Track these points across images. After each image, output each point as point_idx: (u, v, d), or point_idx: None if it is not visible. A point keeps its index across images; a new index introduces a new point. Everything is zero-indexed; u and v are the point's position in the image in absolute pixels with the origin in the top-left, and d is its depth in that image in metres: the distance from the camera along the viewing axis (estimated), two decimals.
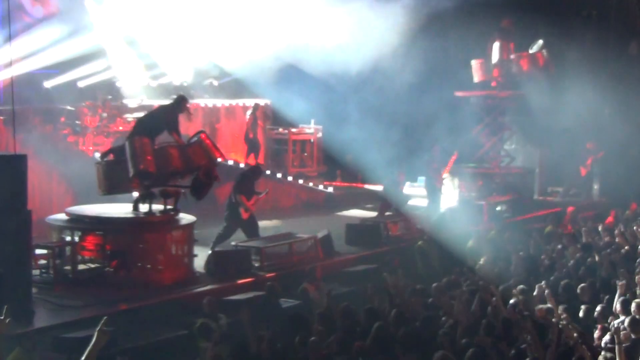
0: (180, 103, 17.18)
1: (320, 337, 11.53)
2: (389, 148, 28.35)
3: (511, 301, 13.19)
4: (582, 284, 14.09)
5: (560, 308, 12.05)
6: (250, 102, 28.75)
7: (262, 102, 28.61)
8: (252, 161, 26.04)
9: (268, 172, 21.93)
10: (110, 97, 25.31)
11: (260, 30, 25.98)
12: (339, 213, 24.32)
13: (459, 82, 27.55)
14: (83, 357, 8.11)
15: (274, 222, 21.19)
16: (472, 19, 27.45)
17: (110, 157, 17.16)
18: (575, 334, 10.56)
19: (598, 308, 12.63)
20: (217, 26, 25.91)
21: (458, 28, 27.60)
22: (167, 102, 17.77)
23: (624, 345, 10.28)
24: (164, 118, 17.05)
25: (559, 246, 17.97)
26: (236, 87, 29.10)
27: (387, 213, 22.48)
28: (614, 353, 10.14)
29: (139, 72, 27.28)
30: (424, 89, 28.10)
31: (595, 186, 29.01)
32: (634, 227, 19.32)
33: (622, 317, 12.14)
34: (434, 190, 24.29)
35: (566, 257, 16.93)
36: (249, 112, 27.86)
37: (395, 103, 28.88)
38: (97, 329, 8.19)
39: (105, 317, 8.38)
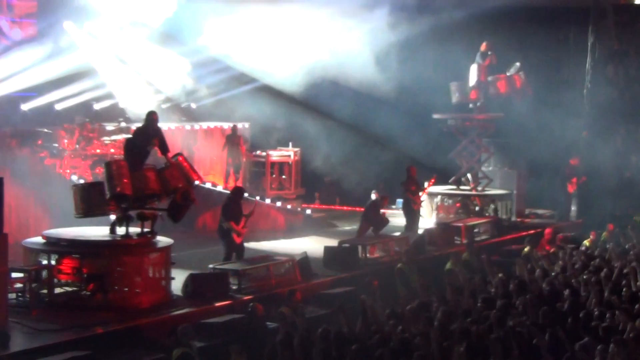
0: (149, 116, 17.22)
1: None
2: (368, 169, 28.51)
3: None
4: None
5: None
6: (227, 124, 28.77)
7: (239, 124, 28.62)
8: (231, 185, 25.98)
9: (246, 194, 21.93)
10: (87, 119, 25.27)
11: (236, 50, 26.21)
12: (317, 236, 24.28)
13: (436, 104, 27.67)
14: None
15: (252, 243, 21.13)
16: (451, 41, 27.61)
17: None
18: None
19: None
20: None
21: (436, 49, 27.76)
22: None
23: None
24: (140, 137, 17.10)
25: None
26: (213, 109, 29.12)
27: (366, 235, 22.48)
28: None
29: (142, 89, 27.27)
30: (401, 110, 28.26)
31: (573, 207, 29.12)
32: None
33: None
34: (411, 212, 24.30)
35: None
36: (228, 135, 27.87)
37: (372, 123, 29.07)
38: None
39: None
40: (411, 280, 18.37)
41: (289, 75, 27.45)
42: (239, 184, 25.62)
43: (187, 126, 28.54)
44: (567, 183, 28.34)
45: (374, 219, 22.63)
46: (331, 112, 28.78)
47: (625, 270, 16.41)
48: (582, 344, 12.14)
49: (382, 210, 22.99)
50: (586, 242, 21.47)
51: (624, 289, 15.12)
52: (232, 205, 19.03)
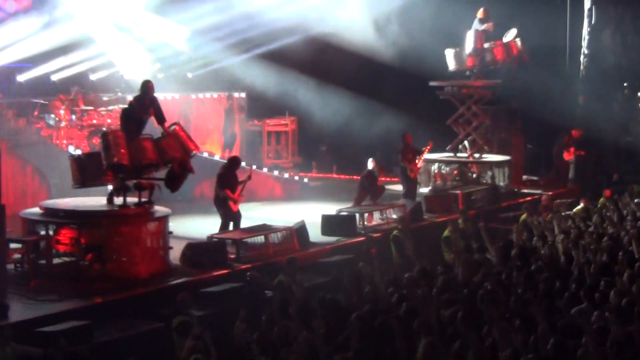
0: (145, 85, 17.19)
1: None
2: (364, 137, 28.48)
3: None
4: None
5: None
6: (224, 94, 28.73)
7: (236, 93, 28.58)
8: (228, 154, 25.95)
9: (243, 164, 21.93)
10: (84, 90, 25.22)
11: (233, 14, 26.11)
12: (314, 204, 24.28)
13: (433, 71, 27.60)
14: None
15: (249, 213, 21.12)
16: (448, 7, 27.47)
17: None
18: None
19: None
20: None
21: (432, 16, 27.62)
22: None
23: None
24: (136, 107, 17.09)
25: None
26: (210, 79, 29.05)
27: (363, 203, 22.51)
28: None
29: (142, 57, 27.18)
30: (399, 76, 28.21)
31: (570, 174, 29.13)
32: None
33: None
34: (408, 180, 24.30)
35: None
36: (225, 104, 27.81)
37: (369, 91, 29.02)
38: None
39: None
40: (406, 248, 18.40)
41: (291, 41, 27.40)
42: (235, 153, 25.61)
43: (184, 95, 28.48)
44: (565, 151, 28.30)
45: (370, 188, 22.66)
46: (328, 80, 28.73)
47: (623, 236, 16.48)
48: (579, 309, 12.18)
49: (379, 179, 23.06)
50: (578, 209, 21.46)
51: (620, 255, 15.15)
52: (228, 174, 19.02)
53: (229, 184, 18.80)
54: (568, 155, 28.25)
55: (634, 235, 15.80)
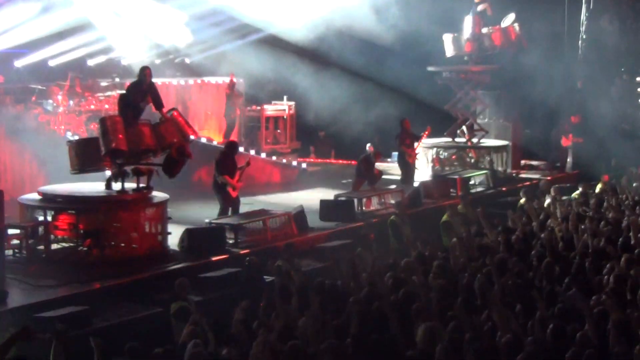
0: (142, 72, 17.16)
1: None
2: (363, 123, 28.46)
3: None
4: None
5: None
6: (222, 79, 28.69)
7: (235, 79, 28.53)
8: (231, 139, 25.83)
9: (241, 149, 21.95)
10: (81, 76, 25.17)
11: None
12: (313, 189, 24.28)
13: (431, 56, 27.56)
14: None
15: (247, 199, 21.12)
16: None
17: None
18: None
19: None
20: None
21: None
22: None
23: None
24: (134, 93, 17.08)
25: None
26: (209, 64, 29.00)
27: (361, 188, 22.52)
28: None
29: (140, 42, 27.08)
30: (396, 61, 28.14)
31: (569, 159, 29.14)
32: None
33: None
34: (406, 165, 24.32)
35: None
36: (227, 89, 27.72)
37: (368, 77, 28.98)
38: None
39: None
40: (404, 233, 18.40)
41: (291, 25, 27.32)
42: (233, 138, 25.58)
43: (182, 81, 28.43)
44: (563, 136, 28.29)
45: (367, 173, 22.68)
46: (328, 65, 28.68)
47: (623, 223, 16.49)
48: (575, 292, 12.19)
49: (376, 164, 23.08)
50: (576, 194, 21.45)
51: (619, 239, 15.16)
52: (226, 159, 19.00)
53: (227, 170, 18.78)
54: (566, 142, 28.24)
55: (633, 221, 15.81)
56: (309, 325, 11.02)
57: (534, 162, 29.08)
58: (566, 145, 28.22)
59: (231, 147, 19.55)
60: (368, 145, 23.63)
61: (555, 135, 28.54)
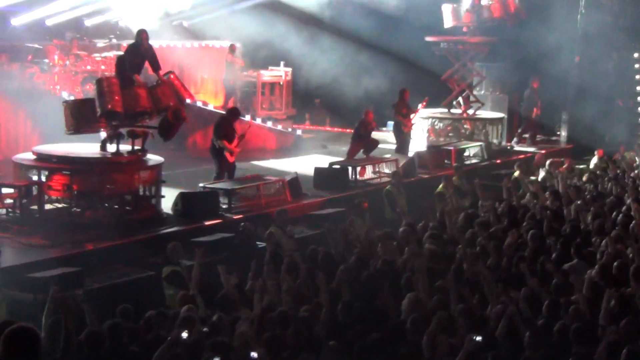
0: (139, 36, 17.12)
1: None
2: (358, 91, 28.40)
3: None
4: None
5: None
6: (219, 43, 28.58)
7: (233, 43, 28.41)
8: (230, 104, 25.72)
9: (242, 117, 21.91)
10: (78, 36, 25.06)
11: None
12: (308, 156, 24.27)
13: (429, 26, 27.47)
14: None
15: (242, 164, 21.12)
16: None
17: None
18: None
19: None
20: None
21: None
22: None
23: None
24: (131, 55, 17.02)
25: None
26: (207, 28, 28.88)
27: (356, 157, 22.52)
28: None
29: (139, 3, 26.91)
30: (395, 31, 28.07)
31: (563, 133, 29.17)
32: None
33: None
34: (402, 135, 24.33)
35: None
36: (227, 55, 27.59)
37: (365, 45, 28.91)
38: None
39: None
40: (399, 203, 18.43)
41: None
42: (231, 104, 25.52)
43: (179, 44, 28.31)
44: (535, 108, 28.29)
45: (365, 138, 22.70)
46: (326, 33, 28.59)
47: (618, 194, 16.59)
48: (571, 265, 12.25)
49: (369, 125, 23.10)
50: (565, 167, 21.48)
51: (613, 215, 15.22)
52: (225, 124, 19.00)
53: (225, 135, 18.77)
54: (536, 111, 28.27)
55: (632, 194, 15.92)
56: (294, 291, 11.11)
57: (526, 135, 28.96)
58: (536, 115, 28.27)
59: (232, 113, 19.56)
60: (365, 110, 23.58)
61: (526, 110, 28.55)
